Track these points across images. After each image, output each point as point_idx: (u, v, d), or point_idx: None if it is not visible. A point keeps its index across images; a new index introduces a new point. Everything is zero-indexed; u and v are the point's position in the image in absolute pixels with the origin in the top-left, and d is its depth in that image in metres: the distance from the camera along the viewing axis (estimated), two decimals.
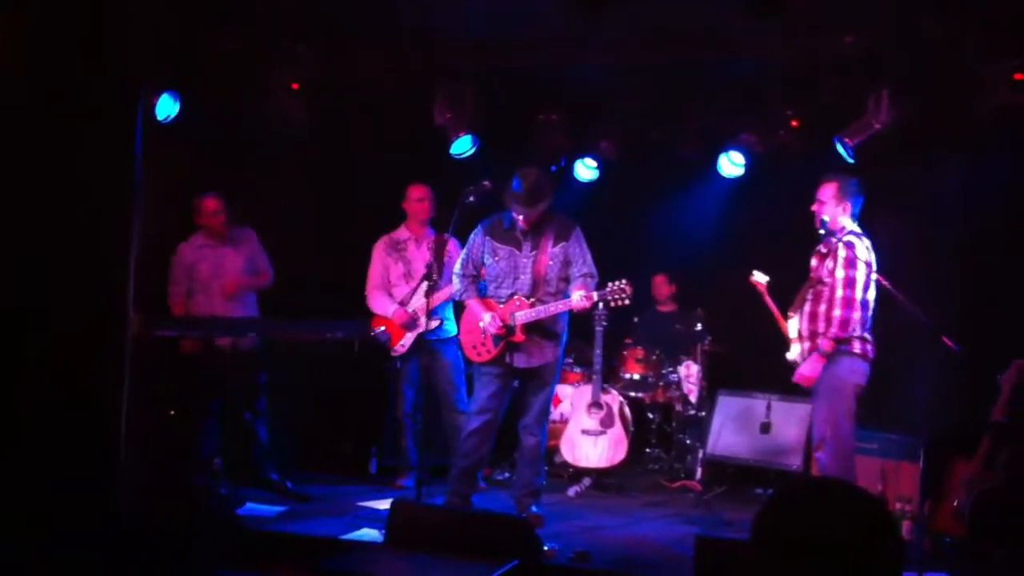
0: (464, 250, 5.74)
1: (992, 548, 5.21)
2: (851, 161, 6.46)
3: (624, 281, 5.38)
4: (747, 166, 7.33)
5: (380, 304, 6.48)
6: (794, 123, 7.06)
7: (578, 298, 5.34)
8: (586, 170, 7.85)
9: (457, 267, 5.72)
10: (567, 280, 5.53)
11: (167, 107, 6.23)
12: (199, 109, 6.39)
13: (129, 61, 3.40)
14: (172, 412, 5.63)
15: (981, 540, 5.26)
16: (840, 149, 6.51)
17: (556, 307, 5.44)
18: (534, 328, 5.49)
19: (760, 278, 6.67)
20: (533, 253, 5.53)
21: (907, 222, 6.38)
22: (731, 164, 7.38)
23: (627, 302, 5.41)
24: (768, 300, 6.55)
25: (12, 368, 3.25)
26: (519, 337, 5.47)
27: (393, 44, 6.52)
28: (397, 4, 5.99)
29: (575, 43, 6.35)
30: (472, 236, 5.71)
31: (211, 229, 6.32)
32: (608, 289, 5.38)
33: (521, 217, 5.48)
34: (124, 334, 3.32)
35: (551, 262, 5.50)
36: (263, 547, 4.87)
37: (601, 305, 6.83)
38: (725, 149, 7.35)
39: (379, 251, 6.61)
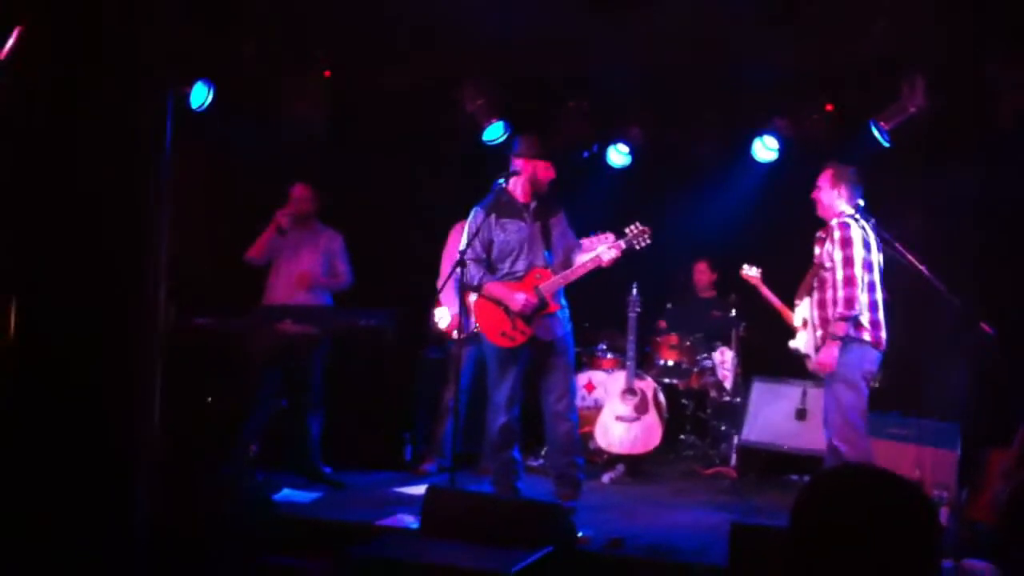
0: (465, 234, 5.37)
1: None
2: (886, 145, 6.43)
3: (637, 224, 5.20)
4: (781, 150, 7.28)
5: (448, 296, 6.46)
6: (828, 107, 7.01)
7: (605, 250, 5.14)
8: (619, 156, 7.82)
9: (467, 252, 5.29)
10: (568, 249, 5.38)
11: (200, 95, 6.25)
12: (223, 112, 6.44)
13: (153, 62, 3.40)
14: (209, 399, 5.68)
15: (1015, 531, 5.19)
16: (875, 132, 6.47)
17: (585, 267, 5.22)
18: (557, 297, 5.36)
19: (751, 272, 6.71)
20: (538, 224, 5.38)
21: (944, 215, 6.32)
22: (765, 148, 7.33)
23: (649, 241, 5.19)
24: (765, 291, 6.59)
25: (37, 367, 3.26)
26: (553, 307, 5.28)
27: (417, 45, 6.51)
28: (421, 6, 5.97)
29: (600, 45, 6.32)
30: (471, 219, 5.38)
31: (295, 216, 6.43)
32: (630, 234, 5.19)
33: (531, 168, 5.34)
34: (155, 329, 3.32)
35: (557, 231, 5.41)
36: (298, 533, 4.91)
37: (635, 291, 6.84)
38: (759, 134, 7.30)
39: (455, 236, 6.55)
